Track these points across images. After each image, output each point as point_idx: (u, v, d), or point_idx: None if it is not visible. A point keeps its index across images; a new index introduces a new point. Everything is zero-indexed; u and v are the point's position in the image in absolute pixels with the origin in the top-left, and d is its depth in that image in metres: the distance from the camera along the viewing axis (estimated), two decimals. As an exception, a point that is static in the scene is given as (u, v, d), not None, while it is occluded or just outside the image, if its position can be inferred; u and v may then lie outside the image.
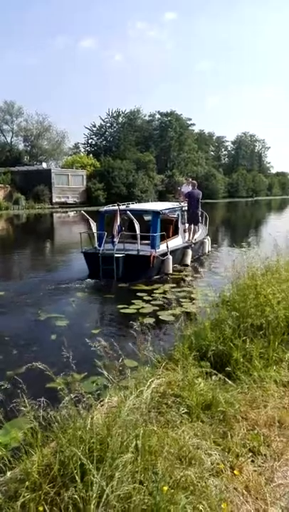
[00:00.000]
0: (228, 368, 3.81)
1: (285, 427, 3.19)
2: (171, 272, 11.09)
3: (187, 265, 12.24)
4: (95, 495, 2.04)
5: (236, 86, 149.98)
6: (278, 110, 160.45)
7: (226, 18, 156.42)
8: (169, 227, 12.17)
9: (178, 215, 12.85)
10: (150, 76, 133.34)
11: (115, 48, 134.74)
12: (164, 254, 10.96)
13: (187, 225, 13.24)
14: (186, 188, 14.40)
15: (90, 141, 61.61)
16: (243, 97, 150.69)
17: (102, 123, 60.42)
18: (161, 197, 47.10)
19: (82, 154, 55.75)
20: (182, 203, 13.62)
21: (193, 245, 13.00)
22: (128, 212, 11.01)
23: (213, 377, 3.71)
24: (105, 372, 3.09)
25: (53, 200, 43.64)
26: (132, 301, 8.70)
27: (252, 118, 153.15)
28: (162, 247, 11.11)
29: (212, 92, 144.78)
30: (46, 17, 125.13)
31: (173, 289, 9.59)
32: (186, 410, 3.17)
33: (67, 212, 40.76)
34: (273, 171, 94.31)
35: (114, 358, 4.26)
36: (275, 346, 4.11)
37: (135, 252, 10.54)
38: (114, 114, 60.44)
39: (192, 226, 13.20)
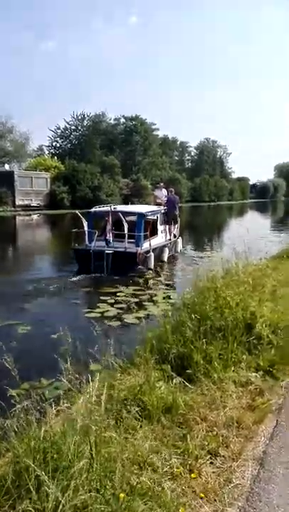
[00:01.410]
0: (188, 371, 3.84)
1: (242, 427, 3.25)
2: (152, 267, 12.19)
3: (164, 261, 13.63)
4: (50, 505, 1.98)
5: (199, 91, 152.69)
6: (238, 116, 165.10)
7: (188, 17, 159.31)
8: (149, 227, 13.27)
9: (157, 217, 14.14)
10: (114, 75, 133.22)
11: (77, 48, 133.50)
12: (148, 252, 12.20)
13: (165, 225, 14.75)
14: (160, 193, 16.32)
15: (54, 143, 60.83)
16: (205, 102, 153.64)
17: (67, 125, 59.81)
18: (127, 201, 47.10)
19: (47, 157, 54.78)
20: (161, 207, 15.05)
21: (169, 244, 14.50)
22: (119, 213, 12.32)
23: (174, 380, 3.73)
24: (64, 380, 3.03)
25: (16, 203, 42.51)
26: (98, 304, 8.66)
27: (213, 123, 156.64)
28: (145, 245, 12.31)
29: (176, 96, 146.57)
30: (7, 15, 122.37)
31: (138, 292, 9.60)
32: (146, 414, 3.17)
33: (30, 215, 39.86)
34: (234, 176, 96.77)
35: (80, 362, 4.21)
36: (234, 347, 4.18)
37: (123, 249, 11.75)
38: (79, 117, 60.06)
39: (172, 226, 15.09)
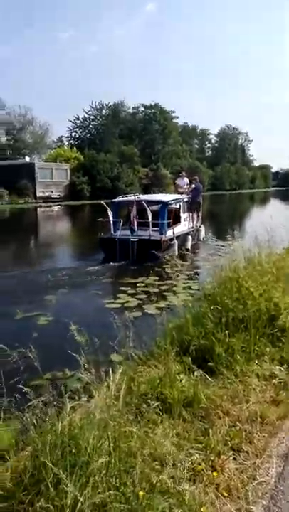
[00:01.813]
0: (210, 363, 3.75)
1: (266, 423, 3.15)
2: (176, 254, 12.28)
3: (188, 249, 13.74)
4: (69, 502, 1.95)
5: (218, 80, 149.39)
6: (261, 105, 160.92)
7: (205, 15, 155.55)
8: (172, 215, 13.63)
9: (180, 205, 14.47)
10: (132, 68, 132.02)
11: (95, 39, 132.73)
12: (172, 239, 12.64)
13: (188, 213, 15.06)
14: (182, 182, 16.65)
15: (73, 134, 60.78)
16: (226, 91, 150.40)
17: (86, 115, 59.65)
18: (147, 190, 46.82)
19: (66, 147, 54.92)
20: (183, 195, 15.31)
21: (192, 232, 14.86)
22: (143, 202, 12.71)
23: (196, 372, 3.65)
24: (81, 373, 2.98)
25: (37, 195, 42.94)
26: (118, 295, 8.66)
27: (235, 112, 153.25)
28: (169, 233, 12.71)
29: (195, 85, 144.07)
30: (26, 7, 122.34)
31: (158, 282, 9.53)
32: (167, 408, 3.11)
33: (51, 206, 40.23)
34: (256, 163, 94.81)
35: (101, 352, 4.18)
36: (257, 340, 4.07)
37: (147, 237, 12.09)
38: (98, 107, 59.70)
39: (196, 214, 15.58)
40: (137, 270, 11.05)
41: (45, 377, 4.95)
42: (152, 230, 12.27)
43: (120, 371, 3.40)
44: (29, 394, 2.79)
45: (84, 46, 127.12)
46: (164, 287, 9.02)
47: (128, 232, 12.46)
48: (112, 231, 12.89)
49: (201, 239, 16.07)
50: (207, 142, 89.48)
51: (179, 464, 2.54)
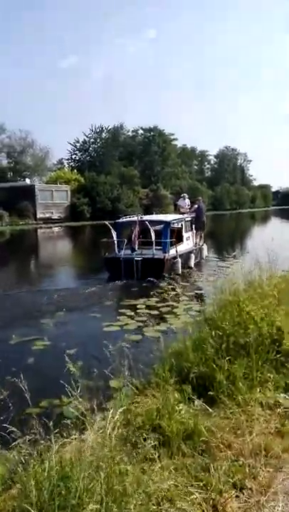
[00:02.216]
0: (211, 392, 3.58)
1: (271, 456, 2.98)
2: (180, 272, 12.71)
3: (191, 267, 14.13)
4: None
5: (217, 101, 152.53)
6: (258, 123, 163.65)
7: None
8: (175, 235, 13.81)
9: (182, 225, 14.71)
10: (132, 91, 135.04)
11: (96, 65, 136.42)
12: (175, 258, 12.84)
13: (190, 233, 15.50)
14: (183, 202, 17.33)
15: (73, 156, 61.65)
16: (224, 111, 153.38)
17: (86, 138, 60.62)
18: (147, 211, 47.08)
19: (66, 170, 55.59)
20: (185, 215, 15.74)
21: (195, 250, 15.14)
22: (146, 222, 13.10)
23: (196, 401, 3.49)
24: (76, 403, 2.84)
25: (37, 216, 43.21)
26: (117, 317, 8.50)
27: (233, 132, 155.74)
28: (172, 252, 12.92)
29: (193, 107, 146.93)
30: (28, 34, 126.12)
31: (159, 304, 9.39)
32: (165, 441, 2.95)
33: (51, 228, 40.39)
34: (256, 183, 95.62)
35: (100, 378, 4.03)
36: (259, 366, 3.91)
37: (151, 256, 12.34)
38: (98, 130, 60.73)
39: (198, 233, 16.14)
40: (138, 291, 10.93)
41: (41, 404, 4.79)
42: (156, 249, 12.54)
43: (116, 402, 3.26)
44: (18, 428, 2.65)
45: (84, 72, 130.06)
46: (164, 309, 8.87)
47: (132, 252, 12.69)
48: (116, 251, 13.12)
49: (204, 257, 16.33)
50: (206, 163, 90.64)
51: (178, 504, 2.38)
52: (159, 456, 2.79)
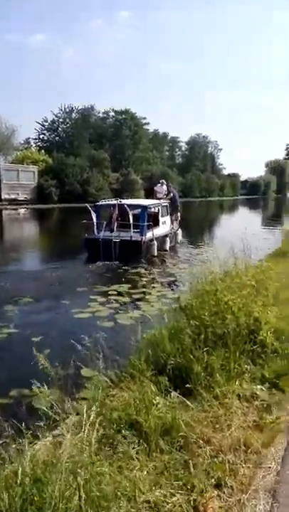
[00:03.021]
0: (188, 385, 3.47)
1: (251, 451, 2.91)
2: (155, 254, 13.56)
3: (166, 250, 14.92)
4: None
5: (190, 89, 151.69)
6: (230, 113, 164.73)
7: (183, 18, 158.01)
8: (151, 219, 14.50)
9: (158, 209, 15.35)
10: (104, 74, 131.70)
11: (69, 44, 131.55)
12: (151, 240, 13.54)
13: (166, 217, 16.09)
14: (161, 188, 17.81)
15: (41, 136, 59.40)
16: (195, 99, 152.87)
17: (55, 118, 58.60)
18: (117, 195, 46.52)
19: (34, 150, 53.66)
20: (161, 200, 16.36)
21: (170, 234, 15.81)
22: (125, 205, 13.76)
23: (172, 393, 3.37)
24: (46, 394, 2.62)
25: (2, 197, 41.59)
26: (89, 303, 8.26)
27: (205, 120, 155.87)
28: (148, 235, 13.54)
29: (167, 93, 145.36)
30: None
31: (131, 290, 9.22)
32: (143, 438, 2.81)
33: (17, 209, 39.05)
34: (225, 172, 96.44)
35: (71, 367, 3.84)
36: (237, 357, 3.83)
37: (129, 238, 12.87)
38: (67, 110, 58.77)
39: (174, 215, 16.82)
40: (111, 277, 10.74)
41: (12, 393, 4.55)
42: (133, 232, 13.17)
43: (90, 395, 3.08)
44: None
45: (58, 50, 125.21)
46: (137, 296, 8.73)
47: (110, 233, 13.36)
48: (96, 232, 13.63)
49: (179, 241, 17.11)
50: (177, 149, 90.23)
51: (157, 507, 2.25)
52: (137, 453, 2.65)
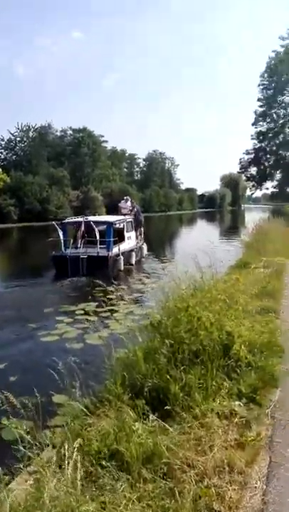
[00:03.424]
0: (167, 407, 3.37)
1: (235, 471, 2.84)
2: (122, 269, 14.04)
3: (132, 264, 15.41)
4: None
5: (142, 104, 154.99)
6: (183, 130, 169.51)
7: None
8: (117, 234, 14.87)
9: (123, 225, 15.80)
10: (57, 90, 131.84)
11: (19, 60, 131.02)
12: (117, 255, 14.02)
13: (131, 233, 16.57)
14: (125, 205, 18.44)
15: (-3, 155, 58.36)
16: (148, 115, 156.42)
17: (12, 137, 57.74)
18: (78, 213, 46.09)
19: (-10, 169, 52.38)
20: (126, 216, 16.84)
21: (135, 249, 16.31)
22: (91, 222, 14.19)
23: (150, 416, 3.25)
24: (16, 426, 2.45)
25: None
26: (56, 325, 7.99)
27: (160, 136, 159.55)
28: (115, 250, 14.01)
29: (120, 108, 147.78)
30: None
31: (98, 308, 9.04)
32: (124, 468, 2.68)
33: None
34: (183, 186, 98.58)
35: (42, 393, 3.64)
36: (214, 374, 3.79)
37: (95, 254, 13.30)
38: (24, 129, 58.13)
39: (138, 230, 17.41)
40: (76, 296, 10.52)
41: None
42: (100, 248, 13.57)
43: (66, 429, 2.92)
44: None
45: (10, 66, 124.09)
46: (105, 314, 8.57)
47: (77, 250, 13.82)
48: (63, 249, 14.03)
49: (144, 255, 17.60)
50: (136, 166, 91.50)
51: None
52: (120, 485, 2.51)
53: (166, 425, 3.10)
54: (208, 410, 3.42)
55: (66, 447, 2.24)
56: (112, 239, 13.97)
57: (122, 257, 14.17)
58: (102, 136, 71.03)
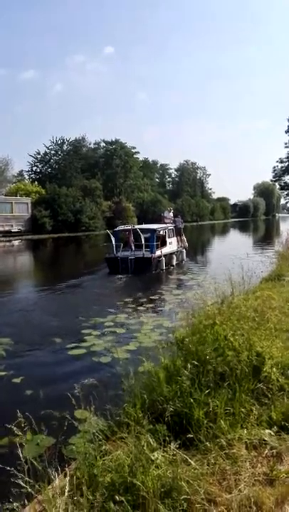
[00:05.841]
0: (189, 434, 3.13)
1: (263, 510, 2.56)
2: (164, 268, 16.81)
3: (173, 265, 18.09)
4: None
5: (174, 117, 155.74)
6: (216, 139, 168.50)
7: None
8: (160, 240, 17.77)
9: (165, 232, 18.62)
10: (91, 106, 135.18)
11: (56, 79, 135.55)
12: (160, 257, 16.73)
13: (172, 238, 19.28)
14: (168, 214, 21.83)
15: (34, 168, 60.17)
16: (181, 127, 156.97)
17: (47, 150, 59.46)
18: (110, 223, 46.53)
19: (27, 182, 54.06)
20: (168, 224, 19.76)
21: (176, 252, 19.01)
22: (138, 229, 17.35)
23: (172, 444, 3.02)
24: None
25: (-4, 229, 41.48)
26: (84, 337, 7.91)
27: (192, 147, 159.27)
28: (158, 253, 16.69)
29: (151, 121, 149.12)
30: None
31: (128, 320, 8.91)
32: (140, 503, 2.46)
33: (11, 241, 38.84)
34: (215, 196, 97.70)
35: (64, 407, 3.50)
36: (242, 398, 3.51)
37: (141, 255, 16.28)
38: (59, 142, 59.75)
39: (179, 237, 20.06)
40: (105, 309, 10.43)
41: (3, 441, 4.17)
42: (145, 251, 16.41)
43: (80, 455, 2.74)
44: None
45: (47, 85, 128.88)
46: (134, 327, 8.41)
47: (126, 252, 16.91)
48: (115, 252, 16.98)
49: (184, 259, 20.02)
50: (167, 176, 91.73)
51: None
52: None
53: (188, 457, 2.86)
54: (234, 439, 3.15)
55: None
56: (155, 243, 16.60)
57: (163, 258, 16.79)
58: (134, 148, 71.82)
